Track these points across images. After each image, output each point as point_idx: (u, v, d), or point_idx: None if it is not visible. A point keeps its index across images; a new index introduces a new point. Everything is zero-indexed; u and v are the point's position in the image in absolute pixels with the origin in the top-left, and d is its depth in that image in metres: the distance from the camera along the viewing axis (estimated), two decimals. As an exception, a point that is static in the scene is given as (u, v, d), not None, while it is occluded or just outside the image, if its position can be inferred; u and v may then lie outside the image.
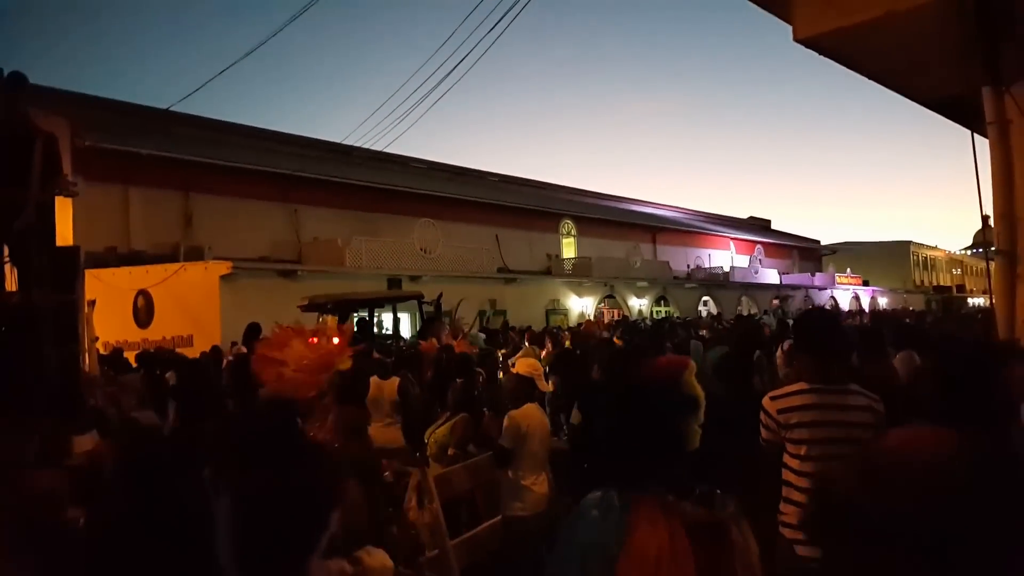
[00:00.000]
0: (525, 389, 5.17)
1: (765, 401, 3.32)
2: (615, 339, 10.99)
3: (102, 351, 11.64)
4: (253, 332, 11.81)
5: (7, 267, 7.80)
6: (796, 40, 4.21)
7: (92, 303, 8.84)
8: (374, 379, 6.99)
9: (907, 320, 14.75)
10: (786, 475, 3.25)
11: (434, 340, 11.28)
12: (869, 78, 5.27)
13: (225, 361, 10.67)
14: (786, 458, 3.27)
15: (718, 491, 1.85)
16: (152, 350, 11.83)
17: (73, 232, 14.99)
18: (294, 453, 1.62)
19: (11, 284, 7.84)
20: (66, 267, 7.89)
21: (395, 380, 7.15)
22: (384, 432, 6.79)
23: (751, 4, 4.46)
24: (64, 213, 10.56)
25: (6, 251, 7.74)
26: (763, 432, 3.30)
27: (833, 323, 3.67)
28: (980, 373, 2.72)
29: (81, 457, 4.90)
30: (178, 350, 12.25)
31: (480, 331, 19.01)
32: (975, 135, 3.88)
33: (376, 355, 8.17)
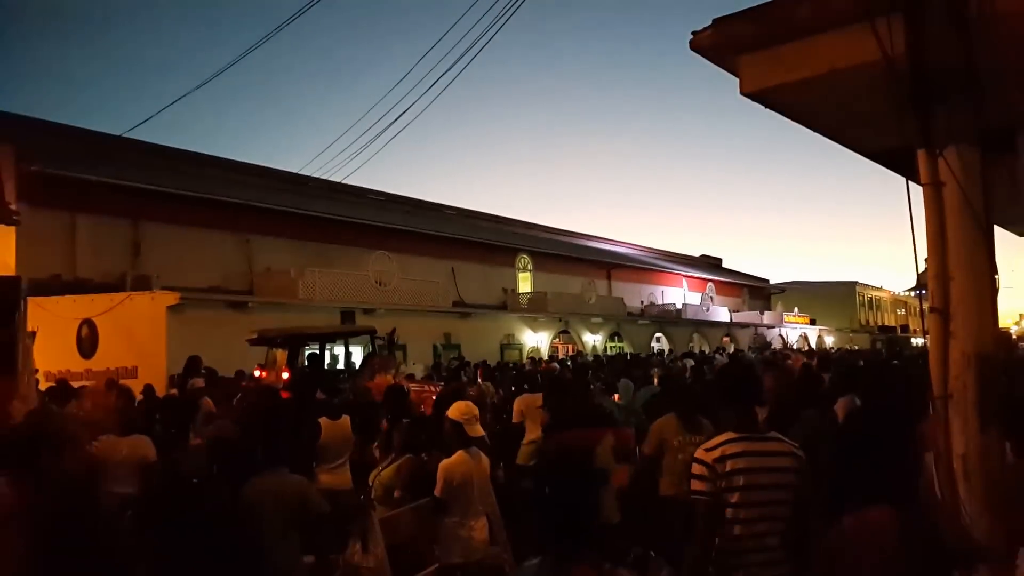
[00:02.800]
0: (457, 435, 5.04)
1: (699, 453, 3.36)
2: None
3: (43, 382, 11.26)
4: (193, 366, 11.55)
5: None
6: (742, 94, 4.32)
7: (33, 334, 8.56)
8: (324, 420, 6.84)
9: (860, 363, 14.80)
10: (726, 527, 3.26)
11: (388, 377, 11.15)
12: (812, 129, 5.42)
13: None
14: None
15: (652, 553, 1.87)
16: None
17: (16, 260, 14.61)
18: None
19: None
20: (5, 298, 7.66)
21: (346, 419, 7.02)
22: (331, 475, 6.65)
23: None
24: (6, 241, 10.29)
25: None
26: (697, 483, 3.30)
27: (753, 375, 3.82)
28: (894, 433, 2.85)
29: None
30: (122, 381, 11.92)
31: (433, 366, 18.91)
32: (909, 183, 4.00)
33: (320, 395, 7.97)
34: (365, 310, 21.40)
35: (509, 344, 28.22)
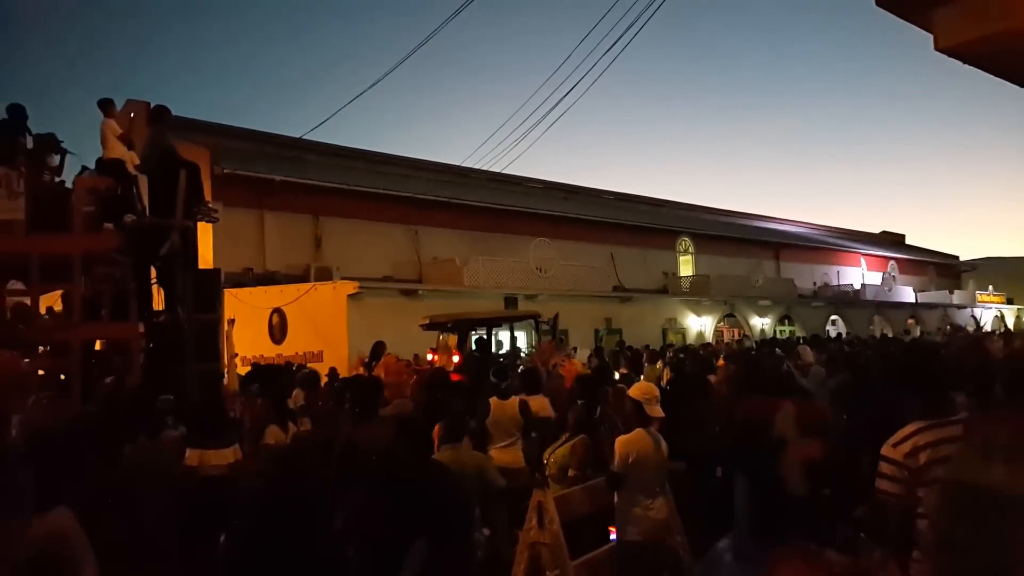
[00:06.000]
0: (637, 413, 5.11)
1: (886, 450, 3.07)
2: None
3: (240, 367, 12.27)
4: (378, 351, 12.18)
5: (155, 288, 8.45)
6: (938, 49, 3.97)
7: (232, 321, 9.38)
8: (494, 400, 7.07)
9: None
10: (921, 525, 2.92)
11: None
12: (1019, 85, 4.93)
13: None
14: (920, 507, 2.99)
15: (862, 535, 1.75)
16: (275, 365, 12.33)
17: (214, 254, 16.06)
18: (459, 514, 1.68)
19: (158, 305, 8.48)
20: (207, 288, 8.45)
21: (515, 400, 7.18)
22: (504, 453, 6.83)
23: (885, 14, 4.26)
24: (206, 237, 11.32)
25: (154, 274, 8.39)
26: (886, 485, 3.02)
27: (937, 358, 3.46)
28: None
29: (223, 469, 5.20)
30: (309, 365, 12.76)
31: (595, 350, 18.90)
32: None
33: (492, 378, 8.22)
34: (527, 296, 21.76)
35: (671, 328, 27.71)
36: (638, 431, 5.01)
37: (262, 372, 8.97)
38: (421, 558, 2.76)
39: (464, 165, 27.84)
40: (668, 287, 30.27)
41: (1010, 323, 42.74)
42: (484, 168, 26.45)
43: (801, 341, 17.84)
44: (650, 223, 31.77)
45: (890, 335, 27.18)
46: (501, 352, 15.38)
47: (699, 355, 12.51)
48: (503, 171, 26.12)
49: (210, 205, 9.63)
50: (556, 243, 24.73)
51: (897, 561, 2.94)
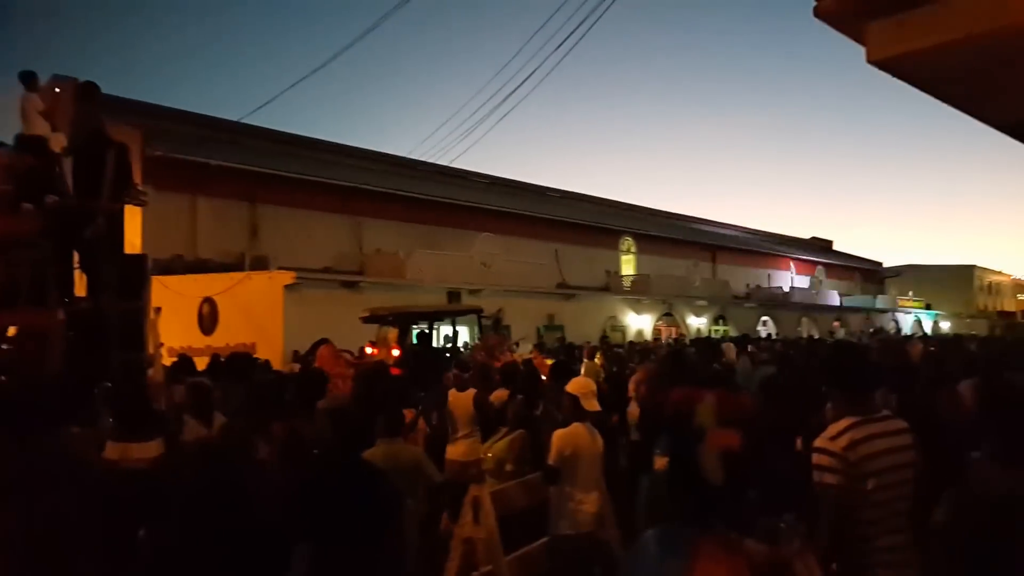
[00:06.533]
0: (573, 408, 5.08)
1: (823, 443, 3.15)
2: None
3: (167, 357, 11.88)
4: (319, 345, 11.94)
5: (77, 274, 8.08)
6: (869, 62, 4.05)
7: (158, 310, 9.04)
8: (452, 392, 7.06)
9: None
10: (857, 515, 3.08)
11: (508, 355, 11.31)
12: (943, 101, 5.08)
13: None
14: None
15: (783, 525, 1.78)
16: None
17: (142, 240, 15.51)
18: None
19: (81, 291, 8.12)
20: (133, 275, 8.12)
21: (471, 392, 7.15)
22: (457, 445, 6.82)
23: (819, 25, 4.33)
24: (133, 221, 10.88)
25: (76, 258, 8.02)
26: (827, 477, 3.09)
27: (865, 357, 3.64)
28: None
29: (146, 463, 5.01)
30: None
31: (536, 346, 18.97)
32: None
33: (456, 370, 8.26)
34: (471, 291, 21.68)
35: (613, 326, 28.02)
36: (574, 425, 4.98)
37: (231, 361, 8.77)
38: (304, 564, 2.73)
39: (410, 157, 27.62)
40: (610, 285, 30.59)
41: (928, 328, 44.60)
42: (431, 161, 26.32)
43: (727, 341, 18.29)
44: (594, 222, 32.06)
45: (816, 336, 28.06)
46: (449, 346, 15.26)
47: (639, 350, 12.72)
48: (450, 164, 26.04)
49: (139, 188, 9.29)
50: (501, 239, 24.74)
51: (828, 550, 3.04)
